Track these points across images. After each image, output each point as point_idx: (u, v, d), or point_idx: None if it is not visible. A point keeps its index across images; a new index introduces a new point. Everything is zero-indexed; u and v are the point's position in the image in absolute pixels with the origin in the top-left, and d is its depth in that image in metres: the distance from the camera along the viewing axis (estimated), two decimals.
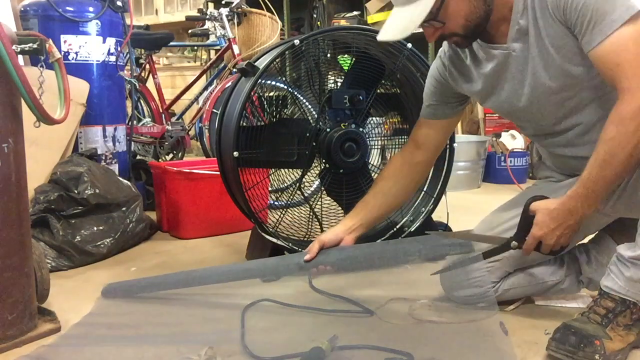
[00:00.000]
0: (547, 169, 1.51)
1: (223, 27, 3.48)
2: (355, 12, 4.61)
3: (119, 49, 2.57)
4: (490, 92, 1.42)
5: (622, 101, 1.15)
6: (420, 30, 1.34)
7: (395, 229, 1.98)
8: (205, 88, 3.64)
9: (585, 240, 1.50)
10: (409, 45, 1.86)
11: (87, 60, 2.47)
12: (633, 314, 1.20)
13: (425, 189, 2.02)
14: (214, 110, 3.16)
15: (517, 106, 1.39)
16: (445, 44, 1.47)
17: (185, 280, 1.58)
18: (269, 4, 3.62)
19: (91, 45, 2.46)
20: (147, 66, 3.69)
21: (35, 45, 1.36)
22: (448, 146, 1.95)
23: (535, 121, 1.43)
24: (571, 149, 1.38)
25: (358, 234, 1.51)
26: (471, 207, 1.64)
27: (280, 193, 2.08)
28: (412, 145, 1.58)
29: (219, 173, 1.99)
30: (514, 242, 1.31)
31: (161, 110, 3.60)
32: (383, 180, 1.59)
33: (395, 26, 1.27)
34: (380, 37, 1.31)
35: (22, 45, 1.34)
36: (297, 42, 1.76)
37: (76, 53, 2.43)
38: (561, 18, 1.23)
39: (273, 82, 2.11)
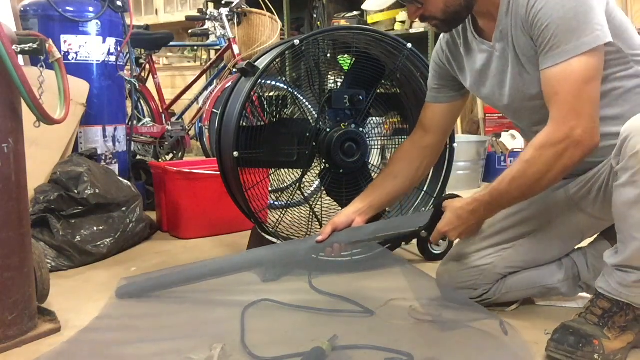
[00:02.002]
0: None
1: (223, 27, 3.48)
2: (355, 12, 4.61)
3: (119, 49, 2.57)
4: (478, 84, 1.46)
5: (547, 129, 1.22)
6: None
7: None
8: (205, 88, 3.64)
9: (584, 244, 1.50)
10: (409, 45, 1.86)
11: (87, 60, 2.47)
12: (627, 315, 1.21)
13: (425, 189, 2.02)
14: (214, 110, 3.15)
15: (499, 103, 1.43)
16: None
17: (199, 275, 1.59)
18: (269, 4, 3.62)
19: (91, 45, 2.46)
20: (147, 66, 3.69)
21: (35, 45, 1.36)
22: (448, 146, 1.95)
23: (517, 119, 1.48)
24: None
25: (368, 216, 1.56)
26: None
27: (280, 193, 2.08)
28: (420, 130, 1.62)
29: (219, 173, 1.99)
30: (423, 231, 1.46)
31: (161, 110, 3.60)
32: (393, 163, 1.63)
33: None
34: (365, 6, 1.39)
35: (22, 45, 1.34)
36: (297, 42, 1.76)
37: (76, 53, 2.43)
38: (529, 31, 1.26)
39: (273, 82, 2.11)
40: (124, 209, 2.19)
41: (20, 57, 1.49)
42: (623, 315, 1.20)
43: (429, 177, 2.01)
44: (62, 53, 2.36)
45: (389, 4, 1.35)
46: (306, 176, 1.93)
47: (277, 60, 1.77)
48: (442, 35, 1.54)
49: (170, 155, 3.49)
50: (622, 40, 1.26)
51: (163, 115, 3.59)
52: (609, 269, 1.23)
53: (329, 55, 1.96)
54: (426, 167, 1.66)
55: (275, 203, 2.19)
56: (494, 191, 1.31)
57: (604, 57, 1.22)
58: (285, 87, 1.94)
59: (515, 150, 3.66)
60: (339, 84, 1.93)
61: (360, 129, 1.87)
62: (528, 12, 1.23)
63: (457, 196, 1.44)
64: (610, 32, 1.20)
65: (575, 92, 1.18)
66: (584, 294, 1.52)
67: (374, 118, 1.98)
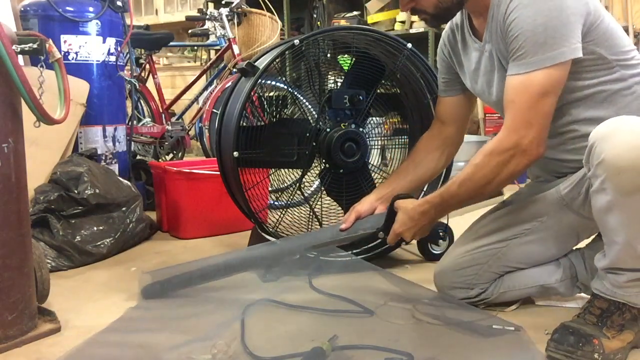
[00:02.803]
0: (536, 167, 1.53)
1: (223, 27, 3.48)
2: (355, 12, 4.62)
3: (119, 49, 2.57)
4: (472, 81, 1.49)
5: (499, 135, 1.28)
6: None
7: None
8: (205, 88, 3.63)
9: (582, 245, 1.50)
10: (409, 45, 1.86)
11: (87, 60, 2.46)
12: (624, 314, 1.21)
13: (425, 189, 2.02)
14: (214, 110, 3.15)
15: (489, 100, 1.47)
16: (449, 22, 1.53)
17: (224, 269, 1.61)
18: (269, 4, 3.62)
19: (91, 45, 2.46)
20: (147, 66, 3.68)
21: (35, 45, 1.36)
22: None
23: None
24: (548, 150, 1.39)
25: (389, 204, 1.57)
26: (470, 207, 1.64)
27: (280, 193, 2.08)
28: (437, 122, 1.67)
29: (219, 173, 1.99)
30: (380, 232, 1.51)
31: (161, 110, 3.60)
32: (415, 153, 1.68)
33: None
34: None
35: (22, 45, 1.34)
36: (297, 42, 1.76)
37: (76, 53, 2.43)
38: (504, 38, 1.29)
39: (273, 82, 2.11)
40: (124, 209, 2.19)
41: (20, 57, 1.49)
42: (620, 314, 1.21)
43: None
44: (62, 53, 2.36)
45: None
46: (306, 176, 1.93)
47: (277, 60, 1.77)
48: (444, 31, 1.57)
49: (170, 155, 3.49)
50: (606, 47, 1.27)
51: (163, 115, 3.58)
52: (600, 272, 1.24)
53: (329, 55, 1.96)
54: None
55: (275, 203, 2.19)
56: (445, 193, 1.37)
57: (589, 63, 1.26)
58: (285, 87, 1.94)
59: None
60: (339, 84, 1.93)
61: (360, 129, 1.87)
62: (504, 19, 1.27)
63: (408, 196, 1.49)
64: (583, 45, 1.23)
65: (530, 104, 1.23)
66: (583, 295, 1.52)
67: (374, 118, 1.98)
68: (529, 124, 1.23)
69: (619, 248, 1.18)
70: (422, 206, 1.41)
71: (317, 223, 1.95)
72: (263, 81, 1.82)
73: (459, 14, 1.47)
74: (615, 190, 1.13)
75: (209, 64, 3.82)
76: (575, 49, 1.22)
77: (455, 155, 1.77)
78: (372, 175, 1.97)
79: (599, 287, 1.24)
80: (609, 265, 1.21)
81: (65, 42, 2.41)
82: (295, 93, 1.96)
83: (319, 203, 1.97)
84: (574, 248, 1.50)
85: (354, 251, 1.92)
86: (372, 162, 2.00)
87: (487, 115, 4.17)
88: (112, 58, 2.55)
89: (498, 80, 1.38)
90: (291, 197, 1.94)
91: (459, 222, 1.65)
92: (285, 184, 2.03)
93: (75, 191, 2.06)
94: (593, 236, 1.48)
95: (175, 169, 2.42)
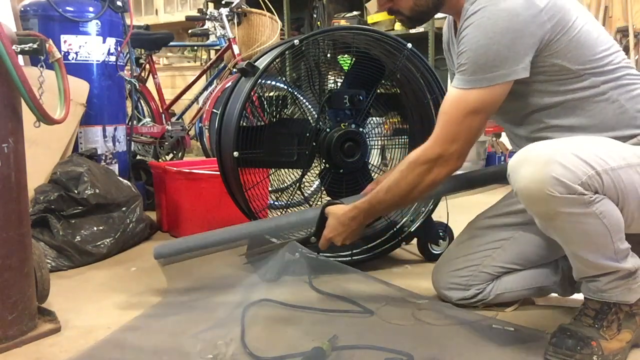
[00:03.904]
0: None
1: (223, 27, 3.48)
2: (355, 12, 4.61)
3: (119, 49, 2.57)
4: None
5: (425, 144, 1.33)
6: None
7: (395, 229, 1.98)
8: (205, 88, 3.63)
9: None
10: (409, 45, 1.86)
11: (87, 60, 2.46)
12: (618, 313, 1.22)
13: None
14: (214, 110, 3.15)
15: None
16: None
17: (238, 236, 1.65)
18: (269, 4, 3.62)
19: (91, 45, 2.46)
20: (147, 66, 3.68)
21: (35, 45, 1.36)
22: None
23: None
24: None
25: None
26: (471, 207, 1.64)
27: (280, 193, 2.08)
28: None
29: (219, 173, 1.99)
30: (313, 237, 1.55)
31: (161, 110, 3.60)
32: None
33: None
34: None
35: (22, 45, 1.34)
36: (297, 42, 1.76)
37: (76, 53, 2.43)
38: (456, 49, 1.32)
39: (273, 82, 2.11)
40: (124, 209, 2.19)
41: (20, 57, 1.49)
42: (614, 313, 1.21)
43: None
44: (62, 53, 2.36)
45: None
46: (306, 176, 1.93)
47: (277, 60, 1.77)
48: (444, 26, 1.59)
49: (170, 155, 3.49)
50: (569, 59, 1.27)
51: (163, 115, 3.58)
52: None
53: (329, 55, 1.96)
54: None
55: (275, 203, 2.19)
56: (373, 199, 1.43)
57: (553, 75, 1.28)
58: (285, 87, 1.94)
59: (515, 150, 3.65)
60: (339, 84, 1.93)
61: (360, 129, 1.87)
62: (458, 33, 1.31)
63: (338, 203, 1.54)
64: (543, 59, 1.25)
65: (459, 119, 1.27)
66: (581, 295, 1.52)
67: (374, 118, 1.98)
68: (454, 139, 1.29)
69: (573, 261, 1.23)
70: (352, 212, 1.46)
71: None
72: (263, 81, 1.82)
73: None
74: (537, 216, 1.21)
75: (209, 64, 3.82)
76: (515, 71, 1.24)
77: None
78: (372, 175, 1.97)
79: (585, 291, 1.26)
80: (578, 276, 1.25)
81: (65, 42, 2.41)
82: (295, 93, 1.96)
83: (319, 203, 1.97)
84: None
85: (354, 251, 1.92)
86: (372, 162, 2.00)
87: None
88: (112, 58, 2.55)
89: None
90: (291, 197, 1.94)
91: (459, 221, 1.66)
92: (285, 184, 2.03)
93: (75, 191, 2.06)
94: None
95: (175, 169, 2.42)
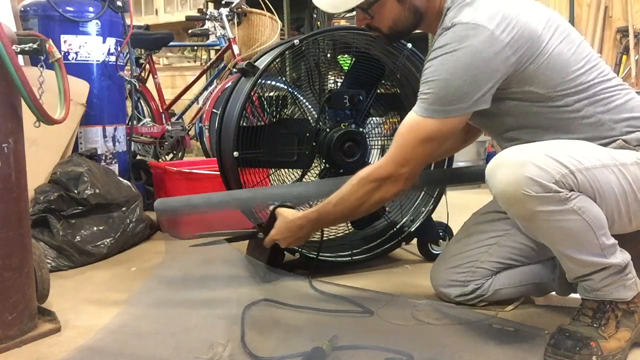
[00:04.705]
0: None
1: (223, 27, 3.48)
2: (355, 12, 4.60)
3: (119, 49, 2.57)
4: None
5: (378, 162, 1.38)
6: (420, 30, 1.40)
7: (395, 229, 1.98)
8: (205, 88, 3.63)
9: None
10: (409, 45, 1.86)
11: (87, 60, 2.46)
12: (615, 311, 1.22)
13: (425, 189, 2.02)
14: (214, 110, 3.15)
15: None
16: None
17: (241, 200, 1.68)
18: (269, 4, 3.62)
19: (91, 45, 2.46)
20: (147, 66, 3.68)
21: (35, 45, 1.36)
22: None
23: None
24: None
25: None
26: (471, 207, 1.64)
27: None
28: None
29: (219, 173, 1.99)
30: (260, 233, 1.60)
31: (161, 110, 3.60)
32: None
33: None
34: (315, 1, 1.41)
35: (22, 45, 1.34)
36: (297, 42, 1.76)
37: (76, 53, 2.43)
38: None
39: (273, 82, 2.11)
40: (124, 209, 2.19)
41: (20, 57, 1.49)
42: (612, 311, 1.22)
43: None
44: (62, 53, 2.36)
45: (338, 10, 1.41)
46: (306, 176, 1.93)
47: (277, 60, 1.77)
48: None
49: (170, 155, 3.49)
50: (538, 85, 1.28)
51: (163, 115, 3.58)
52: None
53: (329, 55, 1.96)
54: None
55: (276, 203, 2.18)
56: (321, 210, 1.45)
57: (523, 100, 1.30)
58: (285, 87, 1.93)
59: None
60: (339, 84, 1.93)
61: (360, 129, 1.87)
62: (426, 60, 1.33)
63: (289, 206, 1.57)
64: (511, 88, 1.28)
65: (412, 145, 1.31)
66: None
67: (374, 118, 1.98)
68: (406, 162, 1.32)
69: (562, 261, 1.24)
70: (300, 220, 1.50)
71: None
72: (263, 81, 1.82)
73: None
74: (517, 219, 1.23)
75: (209, 64, 3.82)
76: (475, 103, 1.26)
77: (454, 151, 1.83)
78: None
79: (582, 292, 1.26)
80: (571, 277, 1.25)
81: (65, 42, 2.41)
82: (295, 93, 1.96)
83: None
84: None
85: (354, 251, 1.92)
86: (372, 162, 2.00)
87: None
88: (112, 58, 2.55)
89: None
90: None
91: (459, 221, 1.66)
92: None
93: (75, 191, 2.06)
94: None
95: (175, 169, 2.42)
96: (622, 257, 1.20)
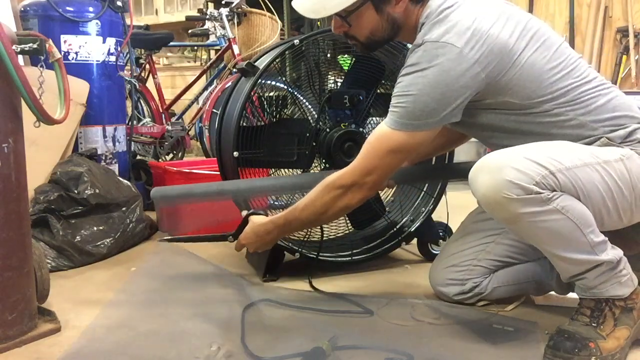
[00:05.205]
0: None
1: (223, 27, 3.48)
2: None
3: (119, 49, 2.57)
4: None
5: (344, 170, 1.38)
6: (398, 40, 1.42)
7: (395, 229, 1.98)
8: (205, 88, 3.64)
9: None
10: (409, 45, 1.85)
11: (87, 60, 2.46)
12: (612, 309, 1.22)
13: (425, 189, 2.02)
14: (214, 110, 3.15)
15: None
16: None
17: (237, 190, 1.68)
18: (269, 4, 3.62)
19: (91, 45, 2.46)
20: (147, 66, 3.69)
21: (35, 45, 1.36)
22: None
23: None
24: None
25: None
26: (471, 207, 1.64)
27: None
28: None
29: (219, 173, 1.99)
30: (230, 237, 1.60)
31: (161, 110, 3.60)
32: None
33: (311, 4, 1.37)
34: (294, 4, 1.41)
35: (22, 45, 1.34)
36: (297, 42, 1.76)
37: (76, 53, 2.43)
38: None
39: (273, 82, 2.11)
40: (124, 209, 2.19)
41: (20, 57, 1.49)
42: (609, 309, 1.22)
43: None
44: (62, 53, 2.36)
45: (316, 16, 1.39)
46: None
47: (277, 60, 1.77)
48: None
49: (170, 155, 3.49)
50: (512, 96, 1.28)
51: (163, 115, 3.59)
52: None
53: (329, 55, 1.96)
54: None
55: (275, 203, 2.18)
56: (289, 215, 1.46)
57: (498, 109, 1.31)
58: (285, 87, 1.93)
59: None
60: (339, 84, 1.93)
61: (360, 129, 1.87)
62: (399, 74, 1.33)
63: (261, 213, 1.61)
64: (486, 100, 1.29)
65: (380, 155, 1.32)
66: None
67: (374, 118, 1.98)
68: (372, 171, 1.34)
69: (554, 261, 1.24)
70: (266, 225, 1.51)
71: None
72: (263, 81, 1.82)
73: None
74: (502, 222, 1.25)
75: (209, 64, 3.82)
76: (444, 119, 1.27)
77: (454, 146, 1.86)
78: None
79: (578, 292, 1.27)
80: (565, 277, 1.25)
81: (65, 42, 2.41)
82: (295, 93, 1.96)
83: None
84: None
85: (354, 251, 1.92)
86: None
87: None
88: (112, 58, 2.55)
89: None
90: (291, 197, 1.93)
91: (459, 222, 1.66)
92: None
93: (75, 191, 2.05)
94: None
95: (175, 169, 2.42)
96: (613, 253, 1.20)
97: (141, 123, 3.43)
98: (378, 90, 1.91)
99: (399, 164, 1.37)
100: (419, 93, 1.26)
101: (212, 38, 4.03)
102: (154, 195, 1.68)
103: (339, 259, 1.89)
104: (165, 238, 1.75)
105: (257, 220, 1.55)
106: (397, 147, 1.31)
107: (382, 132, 1.33)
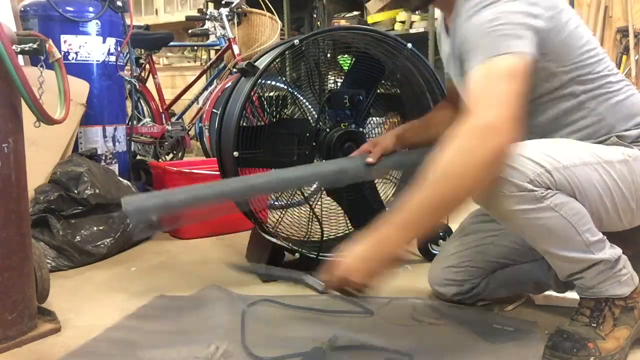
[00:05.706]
0: None
1: (223, 27, 3.48)
2: (355, 12, 4.61)
3: (119, 49, 2.57)
4: (447, 68, 1.49)
5: (463, 120, 1.06)
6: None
7: None
8: (205, 88, 3.63)
9: None
10: (409, 45, 1.86)
11: (87, 60, 2.46)
12: (612, 308, 1.22)
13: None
14: (214, 110, 3.15)
15: (461, 88, 1.40)
16: None
17: (211, 194, 1.46)
18: (269, 4, 3.62)
19: (91, 45, 2.46)
20: (147, 66, 3.69)
21: (35, 45, 1.36)
22: None
23: None
24: None
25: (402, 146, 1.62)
26: (471, 208, 1.64)
27: (280, 193, 2.08)
28: (449, 101, 1.65)
29: (219, 173, 1.99)
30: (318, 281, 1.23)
31: (161, 110, 3.60)
32: (433, 116, 1.67)
33: None
34: None
35: (22, 45, 1.34)
36: (297, 42, 1.76)
37: (76, 53, 2.43)
38: (460, 43, 1.24)
39: (273, 82, 2.11)
40: None
41: (20, 57, 1.49)
42: (609, 309, 1.21)
43: None
44: (62, 53, 2.36)
45: None
46: None
47: (277, 60, 1.77)
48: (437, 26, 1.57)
49: (170, 155, 3.49)
50: (553, 54, 1.22)
51: (163, 115, 3.58)
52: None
53: (329, 55, 1.96)
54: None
55: (275, 203, 2.18)
56: (411, 201, 1.08)
57: (539, 80, 1.21)
58: (285, 87, 1.93)
59: None
60: (339, 84, 1.93)
61: (360, 129, 1.87)
62: (452, 32, 1.28)
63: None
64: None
65: (496, 83, 1.09)
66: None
67: (374, 118, 1.98)
68: (496, 104, 1.06)
69: (550, 260, 1.23)
70: (375, 237, 1.12)
71: (317, 223, 1.95)
72: (263, 81, 1.82)
73: None
74: (496, 218, 1.25)
75: (209, 64, 3.82)
76: (529, 45, 1.13)
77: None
78: None
79: (578, 291, 1.26)
80: (562, 276, 1.25)
81: (65, 42, 2.41)
82: (295, 93, 1.96)
83: (319, 203, 1.96)
84: None
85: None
86: None
87: None
88: (112, 58, 2.55)
89: (459, 74, 1.35)
90: (291, 197, 1.94)
91: (459, 221, 1.66)
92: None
93: (75, 191, 2.06)
94: None
95: (175, 169, 2.42)
96: (611, 252, 1.20)
97: (141, 123, 3.43)
98: (378, 90, 1.91)
99: (521, 93, 1.09)
100: (493, 23, 1.13)
101: (212, 38, 4.02)
102: (125, 208, 1.37)
103: (339, 259, 1.88)
104: (236, 265, 1.66)
105: (353, 247, 1.16)
106: (507, 70, 1.09)
107: (474, 73, 1.12)
